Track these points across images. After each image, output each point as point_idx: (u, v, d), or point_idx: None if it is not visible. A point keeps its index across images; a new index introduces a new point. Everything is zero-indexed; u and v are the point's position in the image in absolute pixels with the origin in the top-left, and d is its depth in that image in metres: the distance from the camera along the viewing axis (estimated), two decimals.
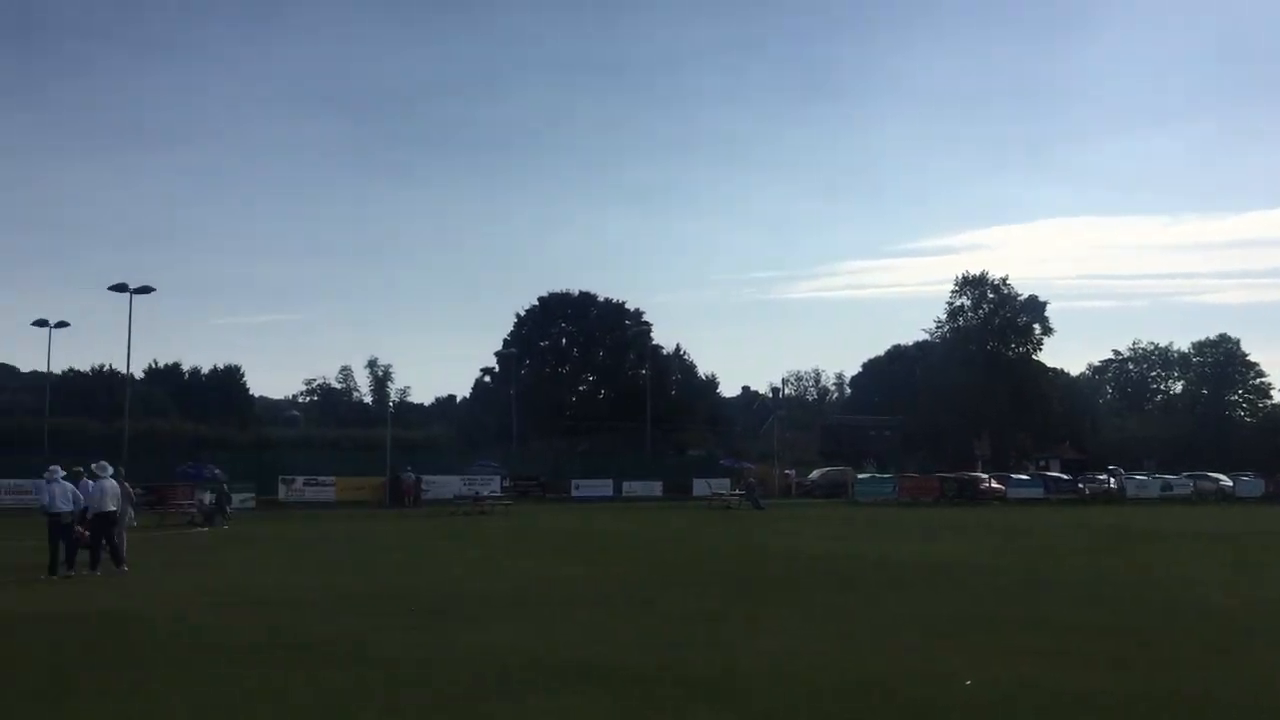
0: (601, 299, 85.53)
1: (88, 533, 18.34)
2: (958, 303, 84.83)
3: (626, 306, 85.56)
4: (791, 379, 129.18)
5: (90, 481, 18.76)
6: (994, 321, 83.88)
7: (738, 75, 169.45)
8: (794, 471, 65.37)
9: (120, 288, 49.54)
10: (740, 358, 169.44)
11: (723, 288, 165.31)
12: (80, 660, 10.24)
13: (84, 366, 79.55)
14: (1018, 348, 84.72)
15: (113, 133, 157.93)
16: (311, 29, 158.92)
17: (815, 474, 64.51)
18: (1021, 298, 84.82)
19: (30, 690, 8.81)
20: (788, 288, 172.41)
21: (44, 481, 18.37)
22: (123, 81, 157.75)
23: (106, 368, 76.81)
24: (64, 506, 17.82)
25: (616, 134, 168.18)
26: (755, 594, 15.83)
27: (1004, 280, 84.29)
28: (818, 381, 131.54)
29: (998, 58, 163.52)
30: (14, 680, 9.20)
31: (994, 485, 55.67)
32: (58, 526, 17.76)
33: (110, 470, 19.12)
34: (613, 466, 58.23)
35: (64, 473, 18.43)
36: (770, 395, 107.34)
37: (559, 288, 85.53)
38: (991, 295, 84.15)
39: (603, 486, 55.88)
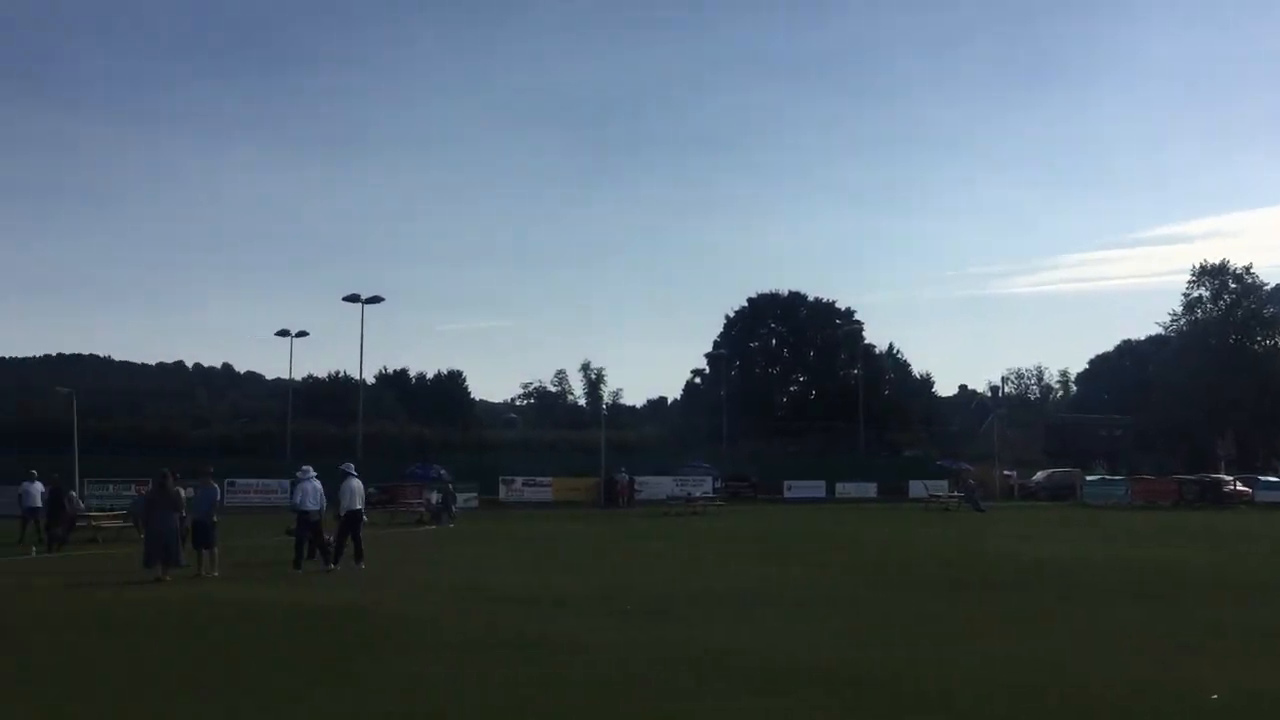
0: (811, 298, 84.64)
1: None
2: (1195, 294, 79.82)
3: (837, 305, 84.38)
4: (1012, 377, 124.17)
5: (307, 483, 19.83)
6: (1236, 313, 78.46)
7: (950, 63, 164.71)
8: (1015, 473, 62.84)
9: (353, 298, 52.46)
10: (957, 356, 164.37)
11: (937, 284, 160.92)
12: (320, 650, 10.80)
13: (321, 373, 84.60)
14: (1265, 340, 78.95)
15: (345, 153, 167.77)
16: (527, 45, 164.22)
17: (1039, 475, 61.80)
18: (1268, 287, 79.07)
19: (275, 679, 9.35)
20: (1006, 282, 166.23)
21: (295, 480, 19.57)
22: (352, 105, 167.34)
23: (341, 374, 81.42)
24: (313, 505, 18.96)
25: (825, 131, 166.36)
26: (977, 598, 15.25)
27: (1247, 269, 78.83)
28: (1040, 379, 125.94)
29: (1235, 24, 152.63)
30: (260, 669, 9.79)
31: (1240, 488, 51.85)
32: (306, 524, 18.92)
33: (355, 470, 20.13)
34: (826, 467, 57.52)
35: (315, 473, 19.55)
36: (989, 394, 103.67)
37: (768, 288, 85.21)
38: (1233, 285, 78.76)
39: (815, 487, 55.25)
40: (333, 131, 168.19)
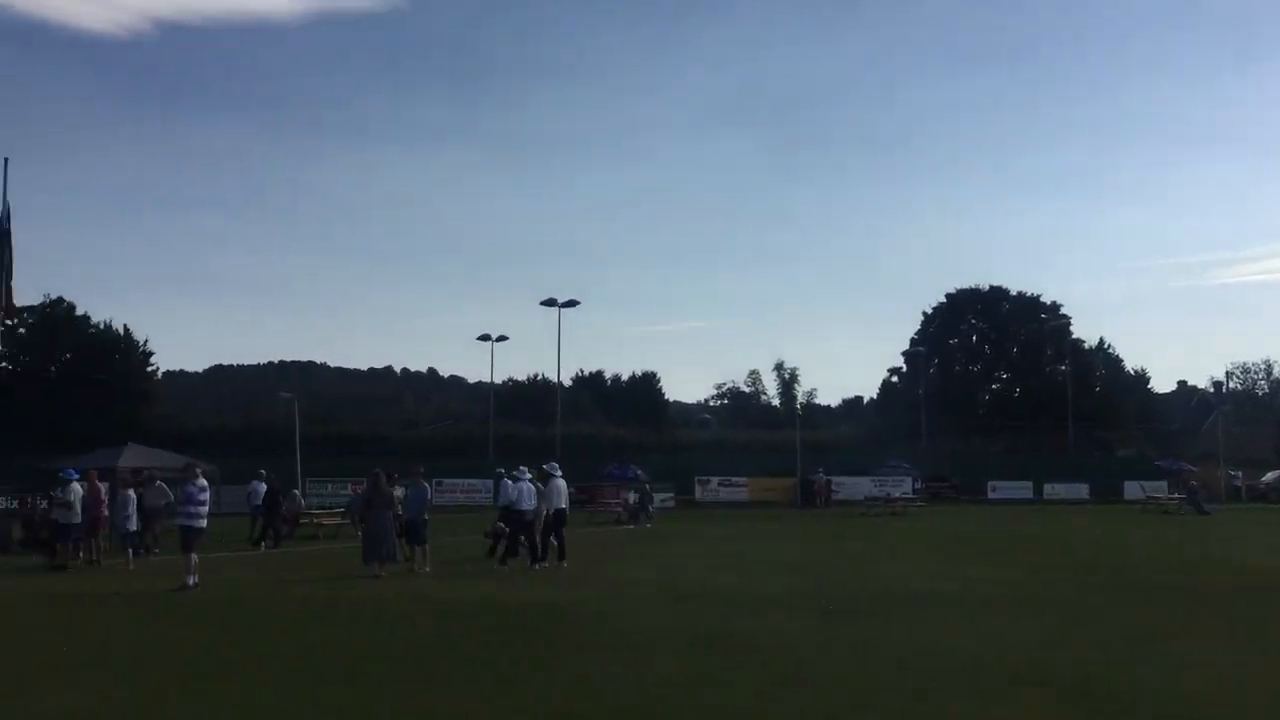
0: (1014, 292, 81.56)
1: (507, 528, 19.98)
2: None
3: (1042, 300, 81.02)
4: (1237, 371, 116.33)
5: (509, 482, 20.36)
6: None
7: (1158, 44, 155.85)
8: (1241, 473, 58.79)
9: (550, 302, 53.72)
10: (1173, 350, 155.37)
11: (1149, 274, 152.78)
12: (530, 645, 11.03)
13: (521, 376, 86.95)
14: None
15: (541, 160, 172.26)
16: (716, 41, 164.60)
17: (1269, 476, 57.62)
18: None
19: (484, 672, 9.59)
20: (1227, 271, 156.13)
21: (509, 481, 20.13)
22: (547, 112, 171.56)
23: (540, 376, 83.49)
24: (528, 505, 19.46)
25: (1024, 120, 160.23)
26: (1203, 606, 14.30)
27: None
28: (1269, 374, 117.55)
29: None
30: (469, 662, 10.07)
31: None
32: (521, 522, 19.42)
33: (560, 471, 20.57)
34: (1032, 467, 55.31)
35: (530, 474, 20.06)
36: (1212, 390, 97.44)
37: (967, 283, 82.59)
38: None
39: (1022, 488, 53.22)
40: (528, 137, 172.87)
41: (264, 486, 28.63)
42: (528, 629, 12.11)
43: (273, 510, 26.47)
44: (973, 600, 14.62)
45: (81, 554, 20.47)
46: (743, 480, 50.50)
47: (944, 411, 69.55)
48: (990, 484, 53.54)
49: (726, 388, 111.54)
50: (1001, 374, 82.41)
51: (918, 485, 51.19)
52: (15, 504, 34.56)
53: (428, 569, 18.77)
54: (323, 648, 10.73)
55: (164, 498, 23.75)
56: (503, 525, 22.19)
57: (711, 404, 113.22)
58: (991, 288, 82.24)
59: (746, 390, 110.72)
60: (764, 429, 77.82)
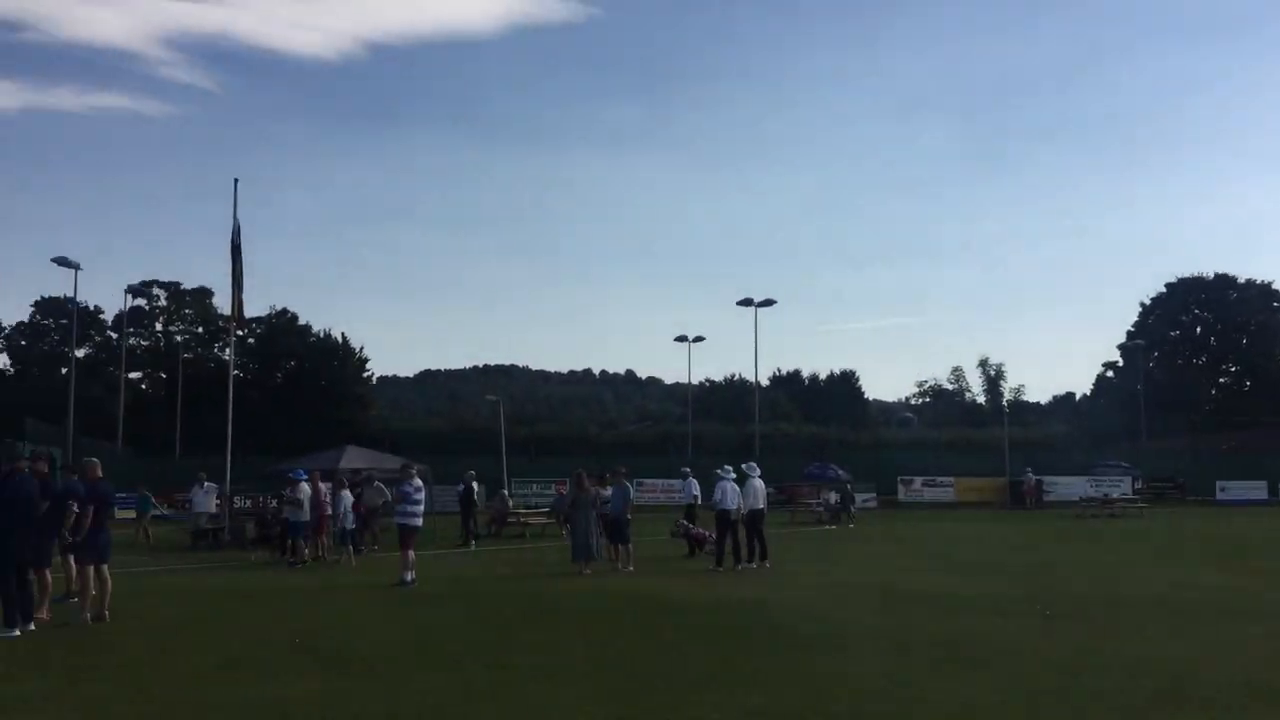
0: (1242, 280, 76.42)
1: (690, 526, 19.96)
2: None
3: (1274, 288, 75.58)
4: None
5: (695, 481, 20.32)
6: None
7: None
8: None
9: (747, 302, 53.59)
10: None
11: None
12: (727, 644, 10.94)
13: (718, 376, 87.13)
14: None
15: (736, 159, 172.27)
16: (912, 32, 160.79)
17: None
18: None
19: (687, 668, 9.55)
20: None
21: (716, 481, 20.11)
22: (740, 112, 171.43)
23: (737, 377, 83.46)
24: (731, 504, 19.37)
25: (1247, 97, 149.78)
26: None
27: None
28: None
29: None
30: (672, 660, 10.05)
31: None
32: (725, 521, 19.39)
33: (758, 471, 20.39)
34: (1269, 466, 51.51)
35: (734, 474, 19.97)
36: None
37: (1189, 272, 77.90)
38: None
39: (1255, 488, 49.67)
40: (722, 137, 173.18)
41: (475, 487, 29.57)
42: (729, 627, 12.02)
43: (466, 509, 27.11)
44: (1203, 607, 13.64)
45: (309, 551, 21.59)
46: (948, 480, 48.99)
47: (1165, 407, 65.74)
48: (1219, 484, 50.17)
49: (928, 385, 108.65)
50: (1230, 367, 77.39)
51: (1138, 485, 48.48)
52: (248, 503, 36.92)
53: (630, 567, 18.95)
54: (530, 644, 10.92)
55: (382, 497, 24.83)
56: (686, 523, 22.31)
57: (913, 402, 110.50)
58: (1217, 276, 77.37)
59: (950, 387, 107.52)
60: (969, 427, 75.40)
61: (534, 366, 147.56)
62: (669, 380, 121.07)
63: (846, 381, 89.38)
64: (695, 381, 70.33)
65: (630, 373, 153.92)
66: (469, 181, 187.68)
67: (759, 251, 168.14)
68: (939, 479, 48.99)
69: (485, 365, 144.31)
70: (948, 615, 12.91)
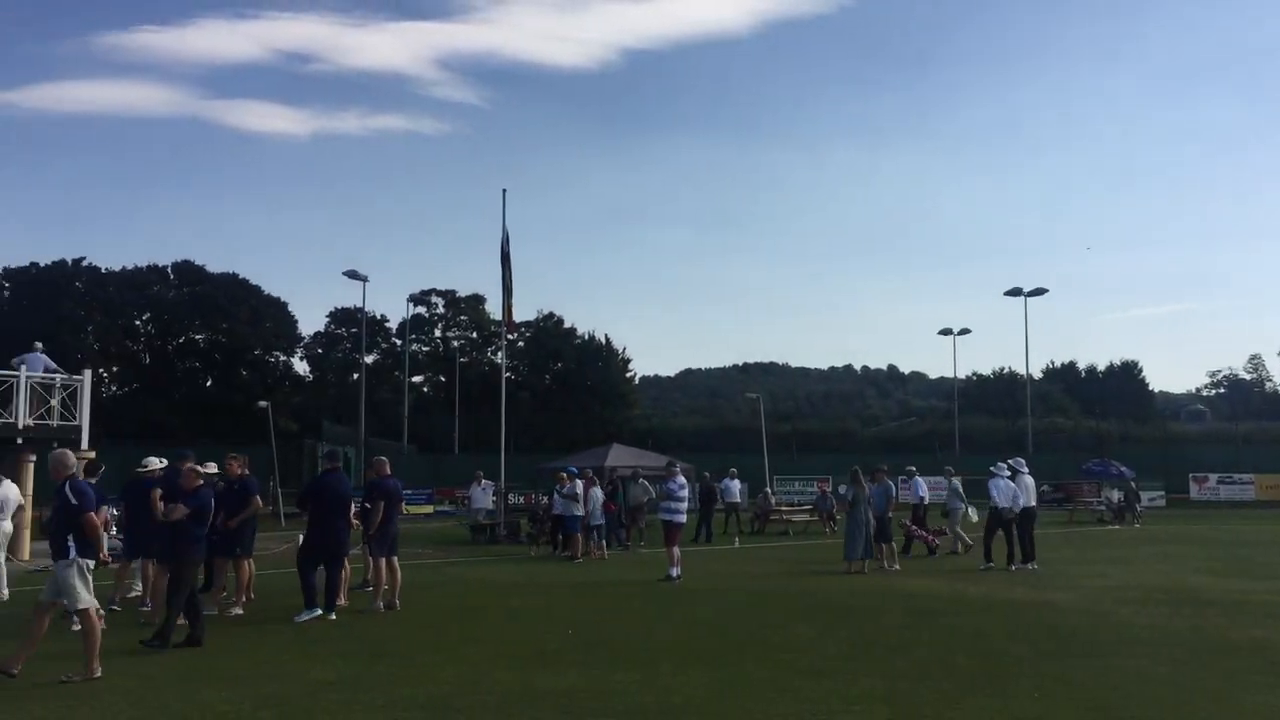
0: None
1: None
2: None
3: None
4: None
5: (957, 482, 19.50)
6: None
7: None
8: None
9: (1015, 292, 51.42)
10: None
11: None
12: (1000, 645, 10.48)
13: (985, 370, 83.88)
14: None
15: (994, 146, 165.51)
16: (1184, 3, 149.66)
17: None
18: None
19: (965, 671, 9.22)
20: None
21: (989, 479, 19.32)
22: (996, 99, 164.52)
23: (1006, 370, 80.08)
24: (1005, 503, 18.56)
25: None
26: None
27: None
28: None
29: None
30: (951, 662, 9.72)
31: None
32: (998, 519, 18.60)
33: (1026, 467, 19.46)
34: None
35: (1008, 471, 19.03)
36: None
37: None
38: None
39: None
40: (979, 125, 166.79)
41: (736, 484, 29.74)
42: (1003, 629, 11.51)
43: (707, 508, 27.07)
44: None
45: (585, 546, 22.23)
46: (1247, 477, 45.14)
47: None
48: None
49: (1222, 375, 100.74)
50: None
51: None
52: (521, 500, 38.56)
53: (896, 566, 18.57)
54: (800, 640, 10.85)
55: (647, 494, 25.35)
56: (910, 524, 21.90)
57: (1204, 393, 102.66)
58: None
59: (1247, 377, 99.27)
60: (1270, 420, 69.24)
61: (793, 364, 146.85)
62: (933, 375, 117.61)
63: (1128, 373, 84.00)
64: (961, 375, 67.98)
65: (893, 368, 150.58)
66: (727, 181, 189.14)
67: (1025, 240, 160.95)
68: (1236, 476, 45.25)
69: (745, 363, 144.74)
70: (1248, 621, 11.89)
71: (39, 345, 25.28)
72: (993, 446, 46.98)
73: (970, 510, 22.36)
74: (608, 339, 76.32)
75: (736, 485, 30.23)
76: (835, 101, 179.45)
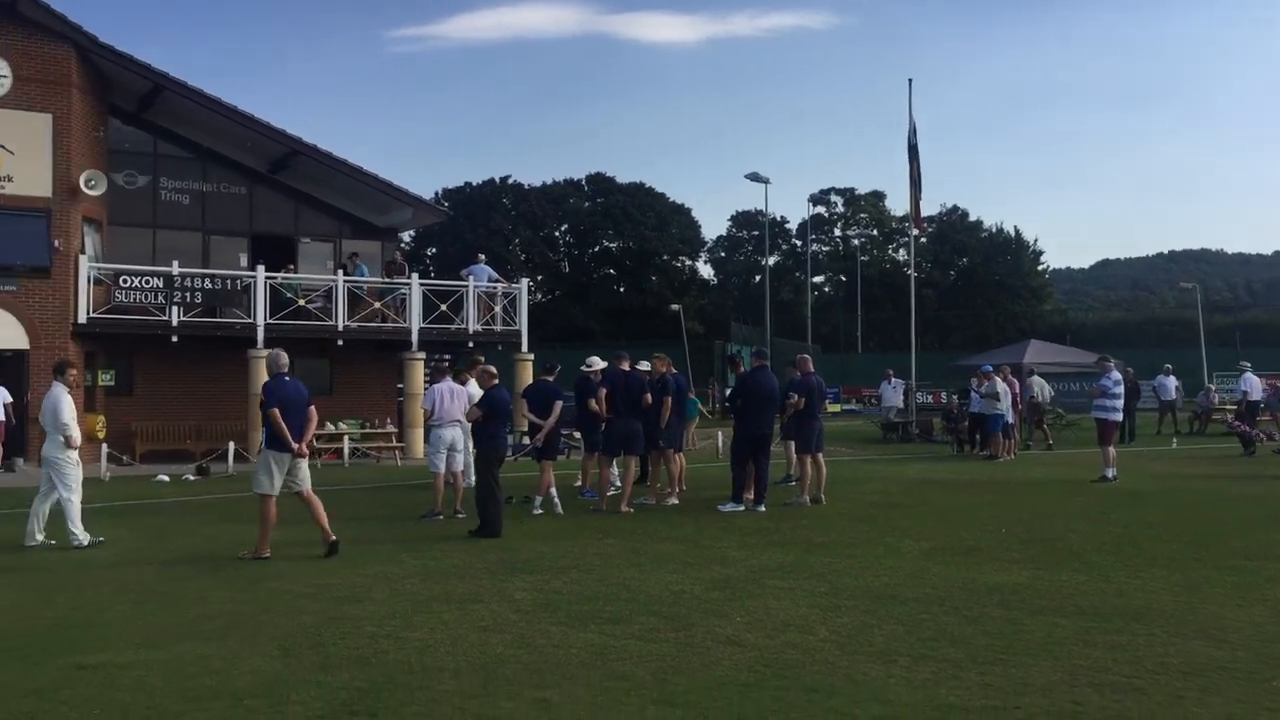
0: None
1: None
2: None
3: None
4: None
5: None
6: None
7: None
8: None
9: None
10: None
11: None
12: None
13: None
14: None
15: None
16: None
17: None
18: None
19: None
20: None
21: None
22: None
23: None
24: None
25: None
26: None
27: None
28: None
29: None
30: None
31: None
32: None
33: None
34: None
35: None
36: None
37: None
38: None
39: None
40: None
41: (1172, 381, 27.55)
42: None
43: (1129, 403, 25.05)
44: None
45: (1005, 445, 21.43)
46: None
47: None
48: None
49: None
50: None
51: None
52: (929, 399, 37.92)
53: None
54: (1263, 546, 9.85)
55: (1045, 391, 24.07)
56: (1233, 420, 19.15)
57: None
58: None
59: None
60: None
61: (1229, 250, 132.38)
62: None
63: None
64: None
65: None
66: (1151, 52, 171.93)
67: None
68: None
69: (1171, 251, 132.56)
70: None
71: (482, 257, 27.81)
72: None
73: None
74: (1017, 231, 72.71)
75: (1172, 382, 27.92)
76: None
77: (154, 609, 7.61)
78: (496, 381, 11.89)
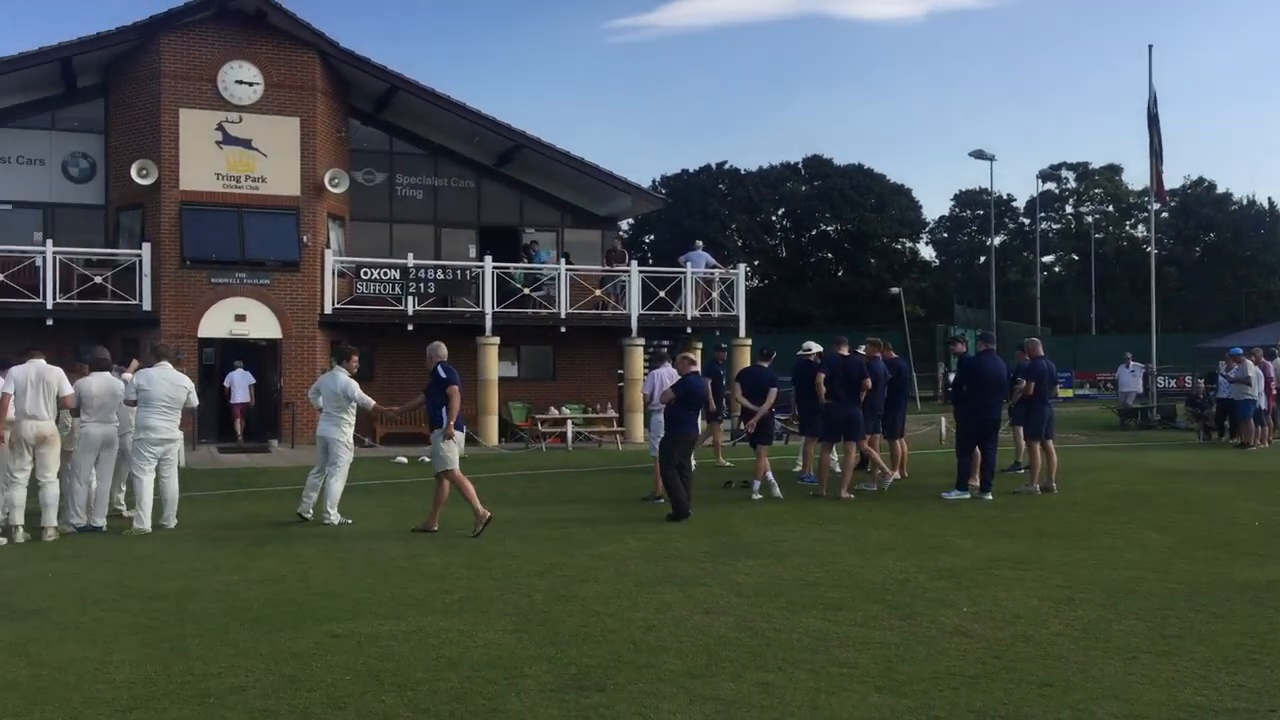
0: None
1: None
2: None
3: None
4: None
5: None
6: None
7: None
8: None
9: None
10: None
11: None
12: None
13: None
14: None
15: None
16: None
17: None
18: None
19: None
20: None
21: None
22: None
23: None
24: None
25: None
26: None
27: None
28: None
29: None
30: None
31: None
32: None
33: None
34: None
35: None
36: None
37: None
38: None
39: None
40: None
41: None
42: None
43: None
44: None
45: (1258, 433, 20.00)
46: None
47: None
48: None
49: None
50: None
51: None
52: (1173, 383, 35.73)
53: None
54: None
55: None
56: None
57: None
58: None
59: None
60: None
61: None
62: None
63: None
64: None
65: None
66: None
67: None
68: None
69: None
70: None
71: (699, 243, 28.00)
72: None
73: None
74: (1271, 203, 67.42)
75: None
76: None
77: (398, 583, 8.08)
78: (695, 369, 12.17)
